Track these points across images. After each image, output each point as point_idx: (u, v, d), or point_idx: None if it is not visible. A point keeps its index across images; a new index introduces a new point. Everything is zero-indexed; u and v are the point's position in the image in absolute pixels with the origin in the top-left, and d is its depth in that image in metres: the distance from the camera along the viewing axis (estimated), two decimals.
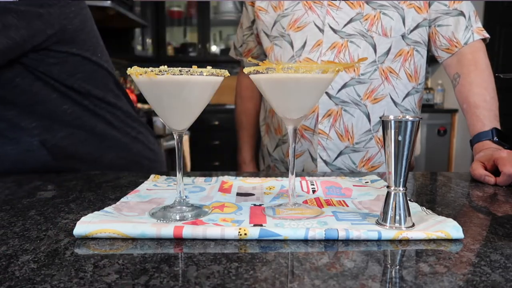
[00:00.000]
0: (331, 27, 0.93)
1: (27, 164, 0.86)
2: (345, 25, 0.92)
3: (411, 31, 0.94)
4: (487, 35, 0.94)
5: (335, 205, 0.58)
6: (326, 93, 0.93)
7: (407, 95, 0.96)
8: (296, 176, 0.75)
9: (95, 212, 0.51)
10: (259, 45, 1.11)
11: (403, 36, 0.94)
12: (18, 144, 0.85)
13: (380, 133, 0.95)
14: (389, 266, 0.39)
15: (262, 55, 1.12)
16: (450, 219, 0.48)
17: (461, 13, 0.93)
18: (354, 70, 0.93)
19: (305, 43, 0.95)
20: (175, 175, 0.56)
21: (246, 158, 1.21)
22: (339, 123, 0.94)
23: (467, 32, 0.93)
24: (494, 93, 0.90)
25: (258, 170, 1.21)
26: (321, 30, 0.93)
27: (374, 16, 0.92)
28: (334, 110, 0.94)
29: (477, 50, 0.93)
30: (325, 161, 0.96)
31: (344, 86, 0.93)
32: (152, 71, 0.48)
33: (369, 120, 0.94)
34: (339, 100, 0.93)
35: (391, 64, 0.94)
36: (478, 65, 0.91)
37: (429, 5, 0.94)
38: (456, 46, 0.94)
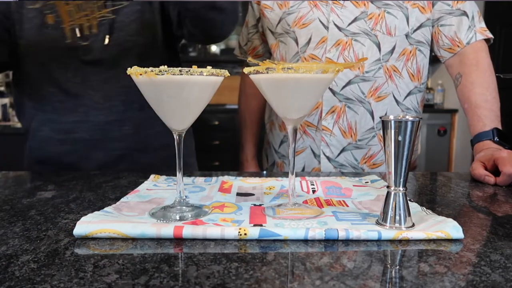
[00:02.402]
0: (335, 25, 0.93)
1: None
2: (350, 23, 0.93)
3: (415, 30, 0.94)
4: (490, 35, 0.94)
5: (335, 205, 0.58)
6: (330, 89, 0.94)
7: (408, 94, 0.97)
8: (297, 175, 0.75)
9: (95, 212, 0.51)
10: (264, 43, 1.12)
11: (406, 36, 0.94)
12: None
13: None
14: (389, 266, 0.39)
15: (267, 53, 1.13)
16: (450, 219, 0.48)
17: (464, 13, 0.93)
18: (359, 68, 0.93)
19: (309, 39, 0.95)
20: (175, 175, 0.56)
21: (248, 155, 1.21)
22: (342, 120, 0.94)
23: (469, 32, 0.93)
24: (495, 93, 0.90)
25: (260, 168, 1.21)
26: (326, 27, 0.94)
27: (379, 15, 0.92)
28: (338, 107, 0.94)
29: (479, 50, 0.93)
30: (328, 157, 0.96)
31: (349, 83, 0.93)
32: (152, 71, 0.48)
33: (373, 118, 0.95)
34: (343, 97, 0.94)
35: (395, 63, 0.94)
36: (479, 65, 0.92)
37: (433, 5, 0.95)
38: (458, 46, 0.94)
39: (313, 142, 0.98)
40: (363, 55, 0.92)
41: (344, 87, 0.93)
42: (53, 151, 0.92)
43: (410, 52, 0.95)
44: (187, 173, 0.79)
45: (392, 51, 0.93)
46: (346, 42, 0.93)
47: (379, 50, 0.93)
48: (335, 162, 0.97)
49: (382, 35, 0.93)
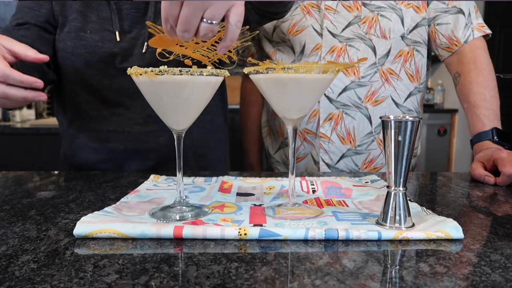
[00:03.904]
0: (329, 31, 0.93)
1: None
2: (344, 29, 0.92)
3: (410, 31, 0.94)
4: (488, 31, 0.93)
5: (335, 205, 0.58)
6: (327, 97, 0.93)
7: (409, 95, 0.96)
8: (297, 176, 0.75)
9: (95, 212, 0.51)
10: (260, 50, 1.11)
11: (402, 37, 0.93)
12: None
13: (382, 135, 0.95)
14: (389, 266, 0.39)
15: (264, 59, 1.12)
16: (450, 219, 0.48)
17: (460, 11, 0.93)
18: (354, 73, 0.92)
19: (304, 47, 0.95)
20: (175, 175, 0.56)
21: (253, 162, 1.20)
22: (340, 127, 0.94)
23: (466, 30, 0.92)
24: (494, 92, 0.89)
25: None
26: (320, 34, 0.93)
27: (372, 18, 0.92)
28: (335, 114, 0.94)
29: (477, 48, 0.92)
30: (327, 164, 0.96)
31: (345, 89, 0.93)
32: (152, 71, 0.48)
33: (371, 123, 0.94)
34: (340, 103, 0.93)
35: (391, 66, 0.94)
36: (477, 63, 0.91)
37: (428, 4, 0.94)
38: (456, 45, 0.93)
39: (313, 149, 0.97)
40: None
41: (340, 93, 0.93)
42: (89, 159, 0.90)
43: (408, 53, 0.94)
44: (221, 174, 0.79)
45: (387, 54, 0.93)
46: (341, 48, 0.92)
47: (375, 54, 0.93)
48: (335, 168, 0.96)
49: (376, 39, 0.92)
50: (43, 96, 0.65)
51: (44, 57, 0.67)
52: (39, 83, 0.64)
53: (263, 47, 1.05)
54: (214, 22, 0.45)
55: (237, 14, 0.46)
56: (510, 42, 3.14)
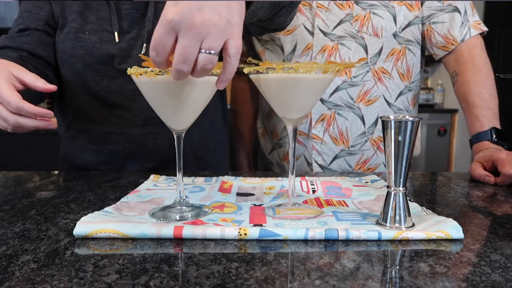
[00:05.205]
0: (320, 30, 0.92)
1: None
2: (335, 27, 0.91)
3: (403, 29, 0.93)
4: (485, 29, 0.92)
5: (335, 205, 0.58)
6: None
7: (399, 94, 0.96)
8: (296, 176, 0.75)
9: (95, 212, 0.51)
10: (252, 49, 1.10)
11: (394, 35, 0.93)
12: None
13: (375, 135, 0.95)
14: (389, 266, 0.39)
15: (256, 59, 1.11)
16: (450, 219, 0.48)
17: (456, 9, 0.92)
18: (346, 73, 0.92)
19: (295, 47, 0.94)
20: (175, 175, 0.56)
21: (243, 164, 1.18)
22: (332, 127, 0.94)
23: (463, 28, 0.91)
24: (493, 90, 0.88)
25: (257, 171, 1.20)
26: (311, 33, 0.93)
27: (364, 16, 0.91)
28: (327, 115, 0.93)
29: (474, 46, 0.91)
30: (320, 166, 0.96)
31: (337, 90, 0.92)
32: (152, 71, 0.48)
33: (364, 123, 0.94)
34: (332, 104, 0.93)
35: (383, 64, 0.93)
36: (475, 62, 0.90)
37: (422, 3, 0.93)
38: (452, 44, 0.92)
39: (305, 150, 0.97)
40: (350, 60, 0.91)
41: (332, 94, 0.92)
42: (88, 160, 0.90)
43: (400, 51, 0.94)
44: (221, 174, 0.79)
45: (379, 52, 0.92)
46: (332, 47, 0.91)
47: (366, 52, 0.92)
48: (328, 169, 0.96)
49: (369, 37, 0.91)
50: (53, 125, 0.68)
51: (52, 87, 0.68)
52: (50, 114, 0.66)
53: (253, 45, 1.04)
54: (213, 52, 0.43)
55: (235, 46, 0.44)
56: (510, 42, 3.14)
